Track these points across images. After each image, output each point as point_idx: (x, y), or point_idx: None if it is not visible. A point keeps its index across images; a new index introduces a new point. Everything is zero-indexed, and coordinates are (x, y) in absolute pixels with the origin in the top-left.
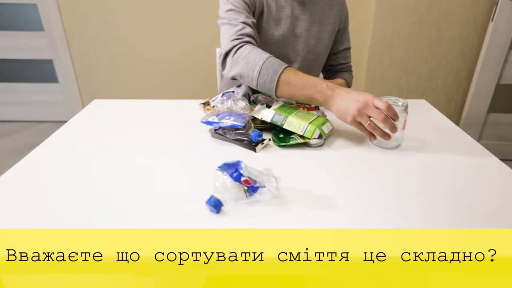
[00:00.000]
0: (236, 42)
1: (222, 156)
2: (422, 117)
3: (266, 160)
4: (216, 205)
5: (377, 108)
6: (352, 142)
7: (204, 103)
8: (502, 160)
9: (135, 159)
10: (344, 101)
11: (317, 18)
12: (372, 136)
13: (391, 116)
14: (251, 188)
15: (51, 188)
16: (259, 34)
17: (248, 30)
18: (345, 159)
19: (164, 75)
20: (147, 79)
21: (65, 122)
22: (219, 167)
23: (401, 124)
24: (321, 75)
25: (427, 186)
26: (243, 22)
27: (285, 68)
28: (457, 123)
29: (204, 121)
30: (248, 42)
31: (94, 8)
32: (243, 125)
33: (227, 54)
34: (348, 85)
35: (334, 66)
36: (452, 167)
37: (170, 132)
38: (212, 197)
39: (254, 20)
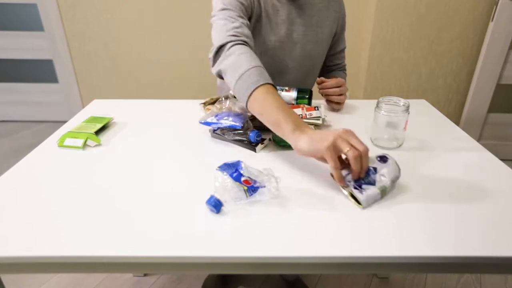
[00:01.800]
0: (234, 38)
1: (222, 156)
2: (422, 117)
3: (266, 160)
4: (216, 205)
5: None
6: None
7: (204, 103)
8: (502, 160)
9: (135, 159)
10: (318, 133)
11: (315, 21)
12: (340, 179)
13: (362, 164)
14: (251, 188)
15: (51, 188)
16: (256, 39)
17: (245, 30)
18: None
19: (164, 75)
20: (147, 79)
21: (65, 122)
22: (219, 167)
23: (402, 125)
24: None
25: (427, 186)
26: (241, 22)
27: (266, 83)
28: (457, 123)
29: (202, 121)
30: (245, 42)
31: (94, 8)
32: (242, 125)
33: (221, 47)
34: None
35: (330, 66)
36: (452, 167)
37: (170, 132)
38: (212, 197)
39: (249, 23)
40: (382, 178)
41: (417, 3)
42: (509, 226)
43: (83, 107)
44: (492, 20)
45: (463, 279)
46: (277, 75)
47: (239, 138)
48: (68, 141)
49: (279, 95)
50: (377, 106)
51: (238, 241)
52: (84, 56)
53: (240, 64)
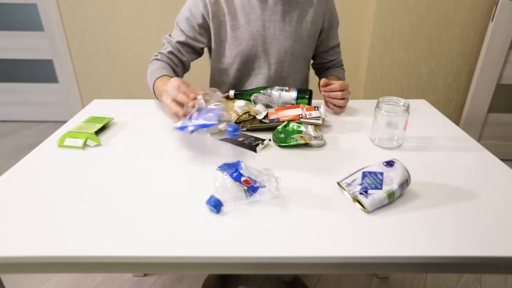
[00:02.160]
0: (152, 57)
1: (222, 156)
2: (422, 117)
3: (266, 160)
4: (216, 205)
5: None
6: (353, 142)
7: None
8: (502, 160)
9: (135, 159)
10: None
11: (294, 17)
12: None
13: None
14: (251, 188)
15: (51, 188)
16: (227, 41)
17: (167, 49)
18: (345, 159)
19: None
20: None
21: (65, 122)
22: (219, 167)
23: (402, 124)
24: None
25: (427, 186)
26: (169, 42)
27: (156, 78)
28: (457, 123)
29: (178, 127)
30: (156, 59)
31: (94, 8)
32: (216, 122)
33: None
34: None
35: (325, 64)
36: (452, 167)
37: (170, 132)
38: (212, 197)
39: (181, 39)
40: (388, 182)
41: (417, 3)
42: (509, 226)
43: (83, 107)
44: (492, 20)
45: (463, 279)
46: (258, 72)
47: (239, 138)
48: (68, 141)
49: (164, 77)
50: (377, 106)
51: (238, 241)
52: (84, 56)
53: (149, 77)
